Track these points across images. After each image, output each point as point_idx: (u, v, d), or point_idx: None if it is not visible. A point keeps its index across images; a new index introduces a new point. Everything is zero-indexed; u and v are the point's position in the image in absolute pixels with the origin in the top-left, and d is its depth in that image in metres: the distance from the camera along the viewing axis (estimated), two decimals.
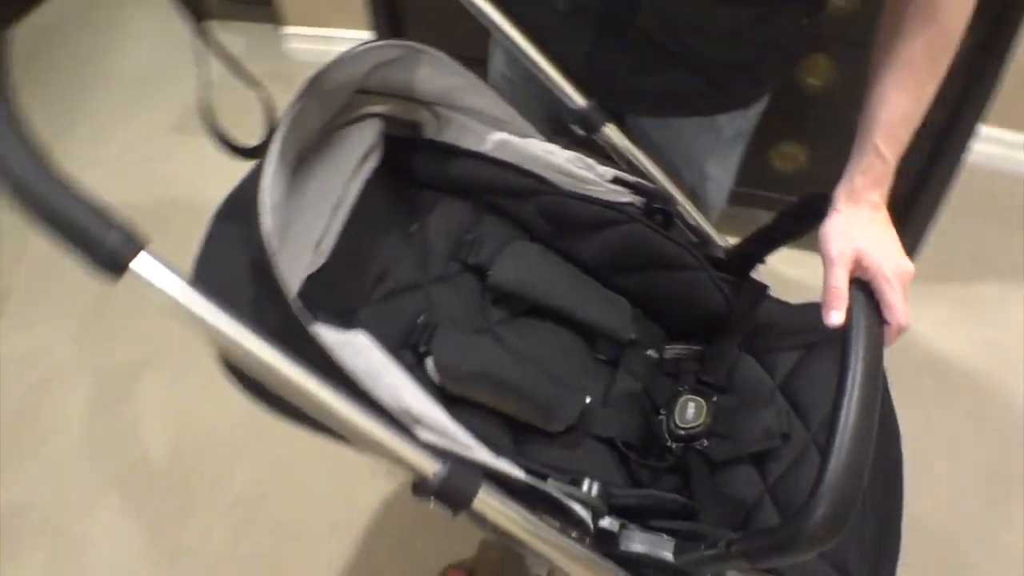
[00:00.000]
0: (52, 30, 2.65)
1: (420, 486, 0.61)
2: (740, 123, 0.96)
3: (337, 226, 0.80)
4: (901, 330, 0.66)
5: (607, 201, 0.89)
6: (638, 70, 0.86)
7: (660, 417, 0.88)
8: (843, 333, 0.63)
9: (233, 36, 2.68)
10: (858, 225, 0.69)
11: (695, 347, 0.95)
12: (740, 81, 0.90)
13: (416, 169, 0.92)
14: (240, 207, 0.67)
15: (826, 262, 0.68)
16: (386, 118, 0.87)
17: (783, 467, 0.85)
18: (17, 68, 2.54)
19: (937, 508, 1.38)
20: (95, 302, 1.77)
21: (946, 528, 1.35)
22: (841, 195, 0.72)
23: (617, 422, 0.86)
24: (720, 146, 0.97)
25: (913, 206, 1.62)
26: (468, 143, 0.89)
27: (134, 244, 0.48)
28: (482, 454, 0.62)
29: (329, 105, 0.77)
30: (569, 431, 0.82)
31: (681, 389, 0.89)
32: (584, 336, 0.92)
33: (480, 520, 0.63)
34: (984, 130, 1.96)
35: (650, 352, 0.93)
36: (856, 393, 0.58)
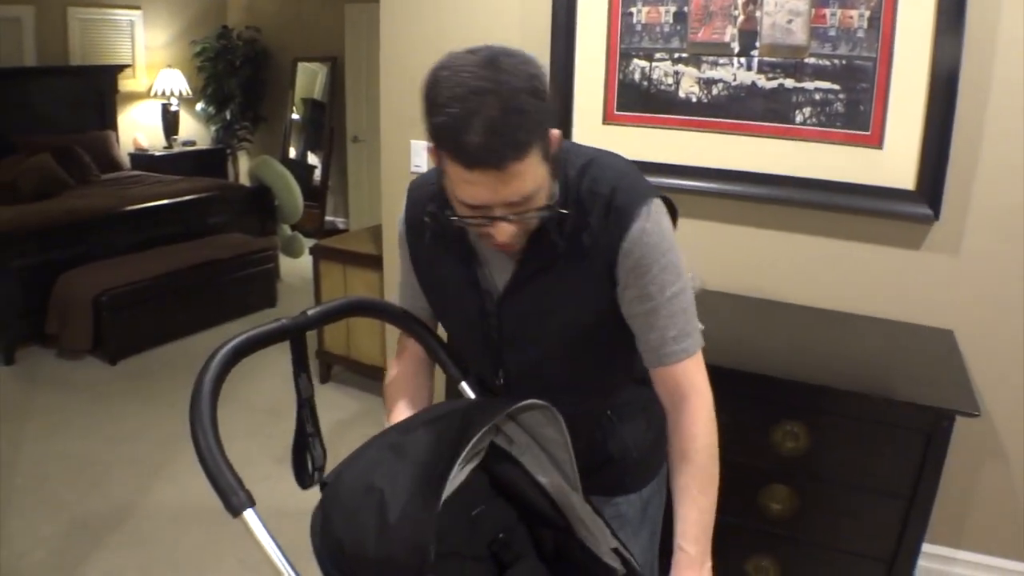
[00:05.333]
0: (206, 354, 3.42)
1: None
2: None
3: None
4: None
5: (602, 562, 1.15)
6: None
7: None
8: None
9: (347, 400, 3.38)
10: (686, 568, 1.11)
11: None
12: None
13: (497, 471, 1.17)
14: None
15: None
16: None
17: None
18: (172, 381, 3.25)
19: None
20: None
21: None
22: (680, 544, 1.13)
23: None
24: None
25: None
26: (534, 469, 1.14)
27: (247, 503, 0.88)
28: None
29: None
30: None
31: None
32: None
33: None
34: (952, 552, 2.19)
35: None
36: None
